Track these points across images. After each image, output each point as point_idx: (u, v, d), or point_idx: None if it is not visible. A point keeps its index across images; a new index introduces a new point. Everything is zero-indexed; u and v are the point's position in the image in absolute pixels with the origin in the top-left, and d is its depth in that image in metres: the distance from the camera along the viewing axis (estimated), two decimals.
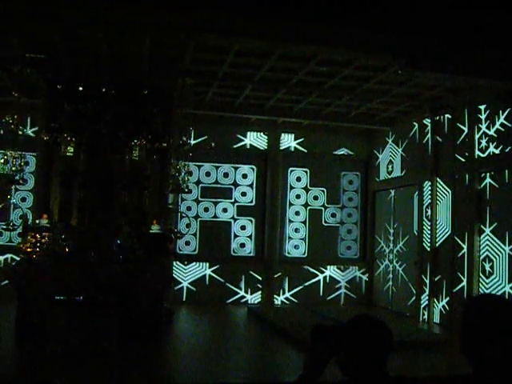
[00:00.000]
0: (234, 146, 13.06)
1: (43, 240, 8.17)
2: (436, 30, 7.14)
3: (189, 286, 12.47)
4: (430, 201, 11.00)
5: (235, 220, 13.10)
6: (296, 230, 13.38)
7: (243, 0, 6.77)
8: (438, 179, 10.86)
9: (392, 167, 12.81)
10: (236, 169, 13.15)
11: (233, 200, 13.08)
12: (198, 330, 9.89)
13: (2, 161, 8.36)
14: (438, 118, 10.99)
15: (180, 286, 12.35)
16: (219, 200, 13.00)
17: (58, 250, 8.09)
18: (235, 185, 13.11)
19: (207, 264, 12.63)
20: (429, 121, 11.26)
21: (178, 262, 12.16)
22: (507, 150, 9.08)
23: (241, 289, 12.76)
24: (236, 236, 13.08)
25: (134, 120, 8.94)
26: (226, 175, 13.09)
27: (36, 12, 6.72)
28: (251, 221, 13.17)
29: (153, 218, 8.86)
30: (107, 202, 8.91)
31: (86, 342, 7.14)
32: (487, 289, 9.27)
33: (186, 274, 12.52)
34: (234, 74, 9.68)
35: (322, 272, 13.23)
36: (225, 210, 13.04)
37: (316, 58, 8.65)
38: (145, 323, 7.87)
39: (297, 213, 13.41)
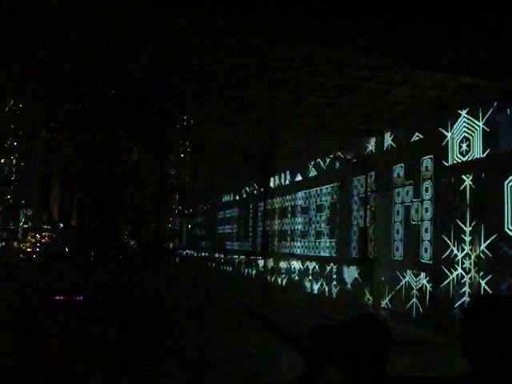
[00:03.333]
0: None
1: (43, 240, 8.18)
2: (436, 30, 7.13)
3: None
4: None
5: None
6: None
7: (243, 0, 6.76)
8: None
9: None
10: None
11: None
12: (197, 329, 9.83)
13: None
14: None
15: None
16: None
17: (58, 250, 8.10)
18: None
19: None
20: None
21: None
22: None
23: None
24: None
25: (134, 120, 8.94)
26: None
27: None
28: None
29: (153, 218, 8.86)
30: (107, 202, 8.91)
31: (86, 342, 7.14)
32: None
33: None
34: (234, 74, 9.65)
35: None
36: None
37: (316, 58, 8.63)
38: (145, 323, 7.86)
39: None
